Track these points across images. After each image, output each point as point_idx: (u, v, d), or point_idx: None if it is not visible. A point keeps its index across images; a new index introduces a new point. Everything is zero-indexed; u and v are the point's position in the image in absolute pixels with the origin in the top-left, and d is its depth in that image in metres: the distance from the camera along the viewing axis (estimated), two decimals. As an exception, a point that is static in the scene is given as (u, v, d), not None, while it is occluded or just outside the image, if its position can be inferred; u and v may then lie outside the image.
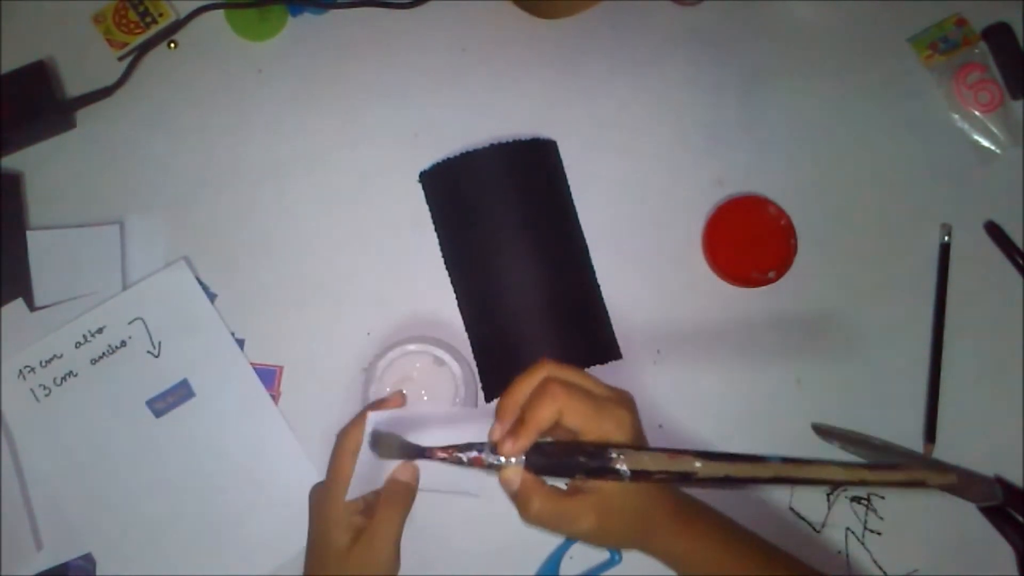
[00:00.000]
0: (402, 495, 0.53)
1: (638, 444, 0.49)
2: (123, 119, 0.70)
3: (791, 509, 0.65)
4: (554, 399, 0.46)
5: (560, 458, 0.47)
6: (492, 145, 0.67)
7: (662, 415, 0.66)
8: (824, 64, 0.73)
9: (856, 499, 0.65)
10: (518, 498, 0.48)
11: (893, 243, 0.70)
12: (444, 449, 0.48)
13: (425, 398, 0.62)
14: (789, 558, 0.55)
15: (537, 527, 0.48)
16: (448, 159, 0.68)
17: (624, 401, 0.50)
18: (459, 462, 0.48)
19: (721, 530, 0.54)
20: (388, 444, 0.51)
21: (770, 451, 0.66)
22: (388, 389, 0.62)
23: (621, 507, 0.48)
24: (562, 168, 0.70)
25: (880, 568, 0.64)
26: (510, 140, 0.68)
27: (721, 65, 0.72)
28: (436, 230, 0.68)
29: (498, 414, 0.48)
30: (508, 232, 0.66)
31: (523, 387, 0.48)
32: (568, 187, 0.69)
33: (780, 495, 0.65)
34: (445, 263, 0.68)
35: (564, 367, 0.49)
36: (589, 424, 0.47)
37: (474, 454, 0.48)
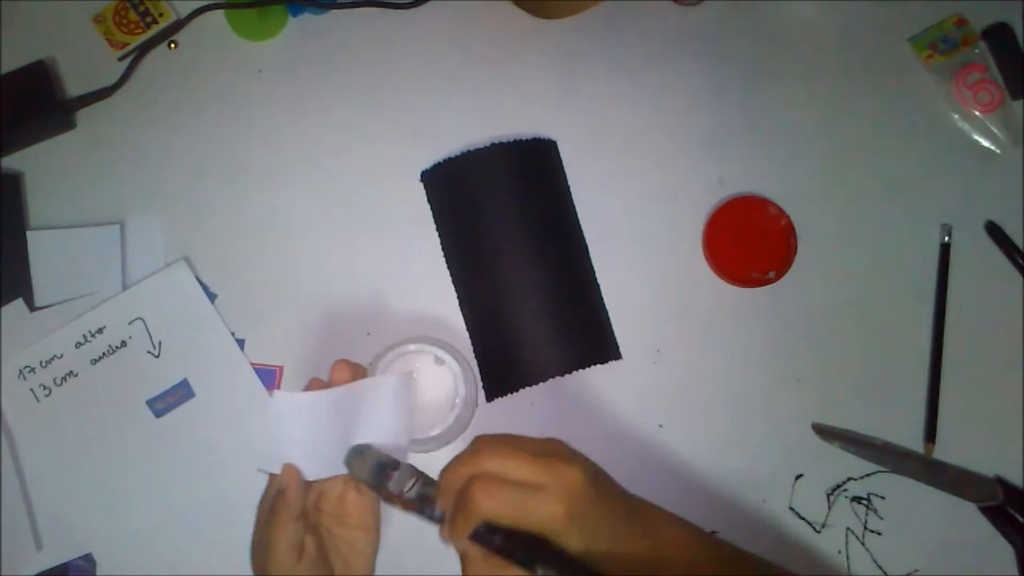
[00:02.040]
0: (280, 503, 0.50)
1: (568, 531, 0.45)
2: (123, 119, 0.70)
3: (791, 509, 0.65)
4: (473, 508, 0.45)
5: (500, 549, 0.46)
6: (493, 144, 0.67)
7: (662, 415, 0.66)
8: (824, 64, 0.73)
9: (856, 499, 0.65)
10: (463, 565, 0.47)
11: (893, 243, 0.70)
12: (406, 502, 0.48)
13: (425, 397, 0.62)
14: (759, 562, 0.53)
15: None
16: (449, 158, 0.68)
17: (554, 490, 0.45)
18: (418, 512, 0.48)
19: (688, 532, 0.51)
20: (361, 463, 0.49)
21: (770, 451, 0.66)
22: None
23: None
24: (562, 168, 0.70)
25: (880, 568, 0.64)
26: (511, 140, 0.68)
27: (721, 65, 0.72)
28: (437, 229, 0.68)
29: (440, 492, 0.47)
30: (509, 231, 0.66)
31: (458, 471, 0.46)
32: (568, 187, 0.69)
33: (780, 495, 0.65)
34: (446, 262, 0.68)
35: (496, 446, 0.47)
36: (514, 522, 0.45)
37: (437, 513, 0.48)
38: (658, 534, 0.49)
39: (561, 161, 0.70)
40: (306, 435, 0.51)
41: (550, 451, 0.47)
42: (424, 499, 0.48)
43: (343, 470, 0.50)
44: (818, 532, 0.65)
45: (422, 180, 0.69)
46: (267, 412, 0.51)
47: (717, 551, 0.51)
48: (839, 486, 0.65)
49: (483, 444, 0.47)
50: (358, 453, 0.50)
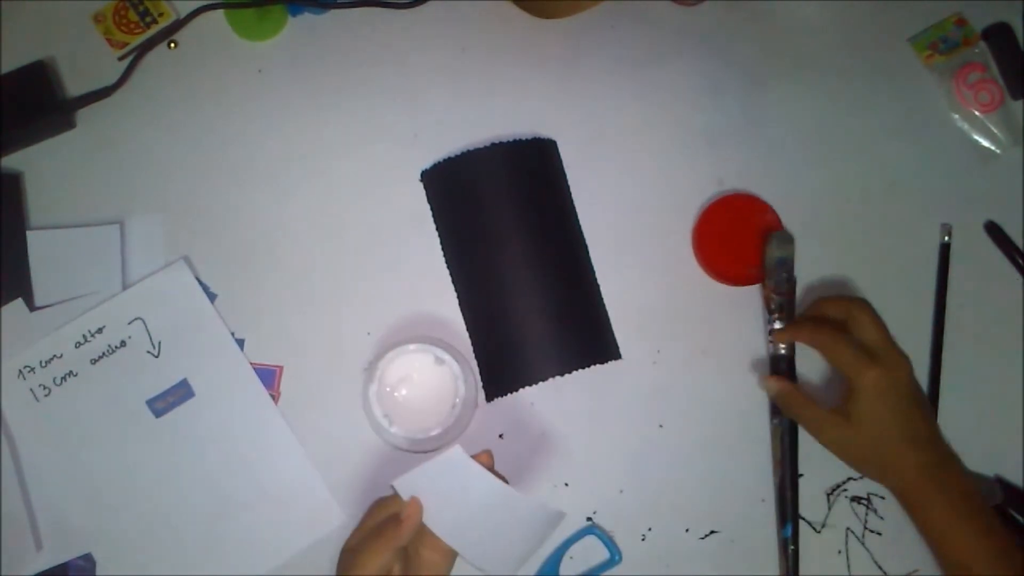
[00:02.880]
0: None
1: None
2: (123, 119, 0.70)
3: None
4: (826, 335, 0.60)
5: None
6: (493, 144, 0.67)
7: (662, 415, 0.66)
8: (824, 64, 0.73)
9: (856, 499, 0.65)
10: (778, 401, 0.64)
11: (893, 243, 0.70)
12: (769, 297, 0.65)
13: (426, 397, 0.62)
14: None
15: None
16: (449, 158, 0.68)
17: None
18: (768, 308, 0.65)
19: (971, 510, 0.57)
20: (777, 248, 0.64)
21: (770, 451, 0.66)
22: (388, 389, 0.62)
23: (864, 439, 0.58)
24: (562, 168, 0.70)
25: (880, 568, 0.64)
26: (511, 140, 0.68)
27: (721, 65, 0.72)
28: (437, 229, 0.68)
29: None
30: (509, 231, 0.66)
31: (839, 305, 0.62)
32: (568, 187, 0.69)
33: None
34: (446, 262, 0.68)
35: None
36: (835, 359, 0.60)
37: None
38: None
39: (561, 161, 0.70)
40: (450, 493, 0.53)
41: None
42: (782, 306, 0.64)
43: (459, 544, 0.53)
44: (818, 532, 0.65)
45: (422, 180, 0.69)
46: (441, 455, 0.52)
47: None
48: (839, 486, 0.65)
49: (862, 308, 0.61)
50: (785, 238, 0.64)
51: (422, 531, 0.53)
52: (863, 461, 0.60)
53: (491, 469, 0.53)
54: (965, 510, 0.57)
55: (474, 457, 0.53)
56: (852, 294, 0.66)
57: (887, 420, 0.58)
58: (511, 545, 0.55)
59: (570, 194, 0.69)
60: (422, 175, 0.69)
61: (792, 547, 0.62)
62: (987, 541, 0.55)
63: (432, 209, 0.69)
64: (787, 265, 0.64)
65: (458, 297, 0.68)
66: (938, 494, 0.57)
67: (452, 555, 0.54)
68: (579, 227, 0.69)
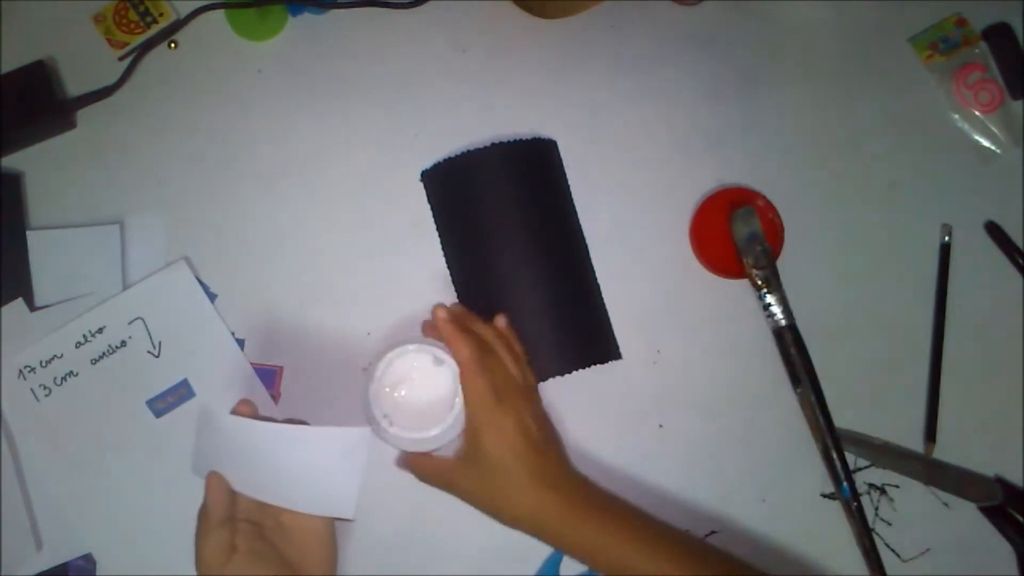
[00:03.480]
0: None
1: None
2: (123, 119, 0.70)
3: (823, 495, 0.65)
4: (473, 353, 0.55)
5: None
6: (493, 144, 0.67)
7: (662, 415, 0.66)
8: (824, 64, 0.73)
9: (872, 485, 0.65)
10: (416, 474, 0.58)
11: (893, 243, 0.70)
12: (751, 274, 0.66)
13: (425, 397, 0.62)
14: (724, 558, 0.56)
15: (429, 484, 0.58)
16: (449, 158, 0.68)
17: (513, 412, 0.55)
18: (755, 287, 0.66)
19: (634, 524, 0.55)
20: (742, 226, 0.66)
21: (770, 450, 0.66)
22: (387, 389, 0.62)
23: (496, 473, 0.54)
24: (562, 168, 0.70)
25: (892, 550, 0.64)
26: (511, 139, 0.68)
27: (721, 65, 0.72)
28: (438, 229, 0.68)
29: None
30: (509, 231, 0.66)
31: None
32: (568, 186, 0.69)
33: (779, 494, 0.65)
34: (446, 261, 0.68)
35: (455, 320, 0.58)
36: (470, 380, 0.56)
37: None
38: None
39: (561, 161, 0.70)
40: (238, 454, 0.54)
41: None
42: (768, 279, 0.64)
43: (274, 497, 0.54)
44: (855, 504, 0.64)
45: (422, 180, 0.69)
46: (196, 421, 0.55)
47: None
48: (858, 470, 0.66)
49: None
50: (748, 213, 0.66)
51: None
52: (494, 507, 0.55)
53: (258, 416, 0.55)
54: (614, 523, 0.55)
55: (234, 412, 0.54)
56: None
57: (510, 462, 0.54)
58: (332, 480, 0.55)
59: (570, 194, 0.69)
60: (422, 175, 0.69)
61: (855, 503, 0.63)
62: (644, 540, 0.54)
63: (432, 209, 0.69)
64: (758, 238, 0.66)
65: (458, 297, 0.68)
66: (583, 519, 0.54)
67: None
68: (579, 227, 0.69)
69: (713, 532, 0.65)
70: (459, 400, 0.61)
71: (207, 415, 0.55)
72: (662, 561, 0.53)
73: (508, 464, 0.54)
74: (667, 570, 0.52)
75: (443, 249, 0.68)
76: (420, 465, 0.58)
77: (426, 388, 0.62)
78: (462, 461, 0.56)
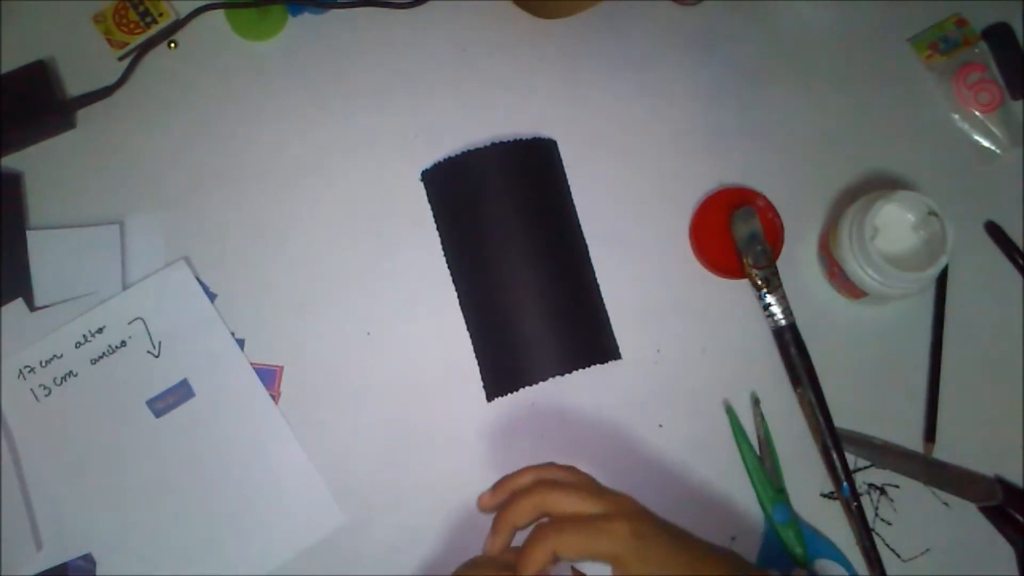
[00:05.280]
0: None
1: (635, 552, 0.48)
2: (123, 119, 0.70)
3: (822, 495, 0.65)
4: (544, 542, 0.48)
5: None
6: (493, 144, 0.67)
7: (662, 415, 0.66)
8: (824, 64, 0.73)
9: (872, 486, 0.65)
10: None
11: (893, 243, 0.70)
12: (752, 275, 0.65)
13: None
14: None
15: None
16: (449, 158, 0.68)
17: (618, 515, 0.49)
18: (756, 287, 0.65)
19: None
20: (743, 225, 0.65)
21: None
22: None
23: None
24: (562, 168, 0.70)
25: (892, 550, 0.64)
26: (511, 139, 0.68)
27: (721, 65, 0.72)
28: (438, 229, 0.68)
29: (494, 528, 0.51)
30: (509, 231, 0.66)
31: (517, 511, 0.51)
32: (568, 187, 0.69)
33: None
34: (447, 261, 0.68)
35: (551, 480, 0.52)
36: (583, 553, 0.48)
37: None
38: (703, 560, 0.50)
39: (561, 161, 0.70)
40: None
41: (598, 487, 0.52)
42: (767, 279, 0.64)
43: None
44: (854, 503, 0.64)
45: (422, 180, 0.69)
46: None
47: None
48: (858, 470, 0.65)
49: (541, 486, 0.51)
50: (748, 213, 0.65)
51: None
52: None
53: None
54: None
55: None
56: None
57: (664, 559, 0.48)
58: None
59: (570, 194, 0.69)
60: (422, 175, 0.69)
61: (855, 503, 0.63)
62: None
63: (433, 209, 0.69)
64: (758, 238, 0.65)
65: (459, 297, 0.68)
66: None
67: None
68: (579, 228, 0.69)
69: (733, 538, 0.65)
70: None
71: None
72: None
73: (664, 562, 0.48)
74: None
75: (443, 249, 0.68)
76: None
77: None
78: None
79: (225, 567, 0.62)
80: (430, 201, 0.69)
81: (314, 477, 0.64)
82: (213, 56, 0.71)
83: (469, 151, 0.67)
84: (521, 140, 0.68)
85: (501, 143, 0.67)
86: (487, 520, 0.61)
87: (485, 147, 0.67)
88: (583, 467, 0.58)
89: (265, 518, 0.63)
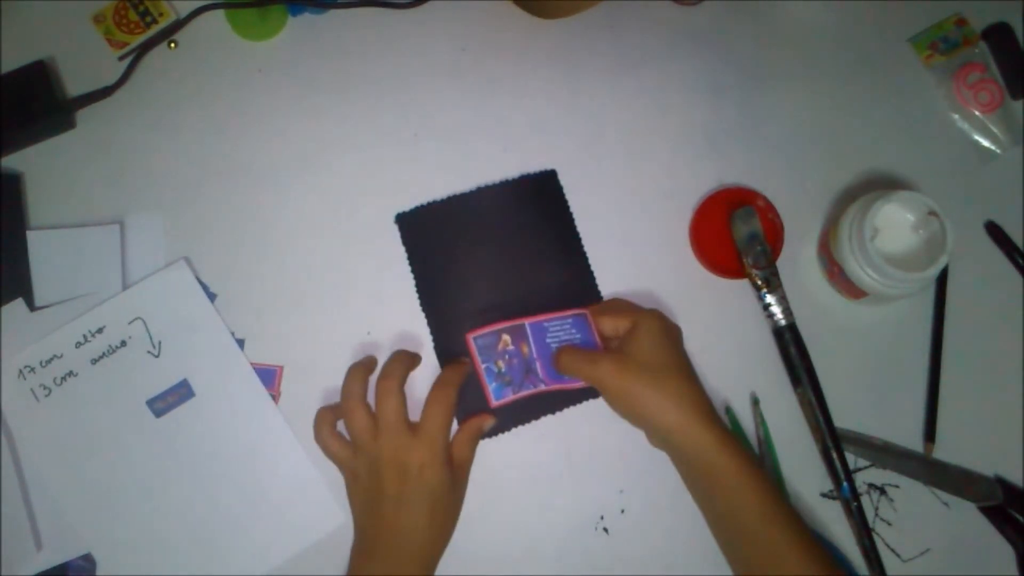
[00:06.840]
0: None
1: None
2: (123, 119, 0.70)
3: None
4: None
5: None
6: (480, 189, 0.68)
7: (662, 415, 0.66)
8: (824, 64, 0.73)
9: (872, 486, 0.65)
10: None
11: (893, 243, 0.70)
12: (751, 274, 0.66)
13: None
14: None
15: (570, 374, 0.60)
16: (429, 204, 0.68)
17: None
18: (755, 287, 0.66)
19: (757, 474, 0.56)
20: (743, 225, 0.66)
21: (769, 448, 0.66)
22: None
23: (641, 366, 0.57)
24: (562, 197, 0.69)
25: (892, 550, 0.64)
26: (502, 181, 0.68)
27: (721, 65, 0.73)
28: (413, 274, 0.68)
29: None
30: (503, 282, 0.66)
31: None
32: (571, 216, 0.69)
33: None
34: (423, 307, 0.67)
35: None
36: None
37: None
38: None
39: (560, 190, 0.69)
40: None
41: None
42: (768, 279, 0.65)
43: None
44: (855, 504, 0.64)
45: (397, 222, 0.68)
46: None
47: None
48: (858, 470, 0.66)
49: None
50: (748, 213, 0.66)
51: None
52: (648, 412, 0.57)
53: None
54: (771, 505, 0.55)
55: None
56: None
57: (667, 350, 0.59)
58: None
59: (573, 223, 0.69)
60: (397, 218, 0.68)
61: (855, 503, 0.63)
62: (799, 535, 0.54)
63: (409, 256, 0.68)
64: (758, 238, 0.65)
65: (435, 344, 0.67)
66: (743, 476, 0.55)
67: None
68: (584, 258, 0.68)
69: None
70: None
71: None
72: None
73: (675, 369, 0.58)
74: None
75: (419, 294, 0.67)
76: (572, 358, 0.60)
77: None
78: (615, 353, 0.59)
79: (225, 567, 0.62)
80: (405, 244, 0.68)
81: (314, 477, 0.64)
82: (213, 56, 0.71)
83: (453, 197, 0.68)
84: (510, 180, 0.68)
85: (491, 186, 0.68)
86: (485, 521, 0.61)
87: (473, 192, 0.68)
88: (584, 467, 0.58)
89: (265, 518, 0.63)
